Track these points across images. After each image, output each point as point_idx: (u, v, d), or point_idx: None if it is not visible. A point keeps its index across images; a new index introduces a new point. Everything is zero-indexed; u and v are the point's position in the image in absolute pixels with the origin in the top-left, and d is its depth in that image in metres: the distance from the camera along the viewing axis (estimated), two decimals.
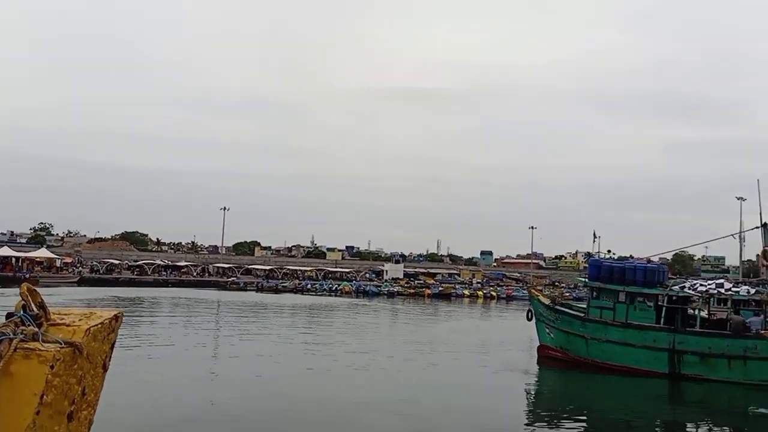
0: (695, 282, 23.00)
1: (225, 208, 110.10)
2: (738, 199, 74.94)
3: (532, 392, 21.74)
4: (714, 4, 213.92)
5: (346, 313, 49.87)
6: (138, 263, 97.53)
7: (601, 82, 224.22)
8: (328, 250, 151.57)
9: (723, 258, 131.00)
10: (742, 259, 68.97)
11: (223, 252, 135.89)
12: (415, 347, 30.09)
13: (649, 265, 23.51)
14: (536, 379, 23.89)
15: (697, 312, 22.38)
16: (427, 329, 41.05)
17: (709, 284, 22.41)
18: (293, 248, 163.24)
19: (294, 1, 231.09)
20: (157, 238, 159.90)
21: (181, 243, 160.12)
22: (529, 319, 26.44)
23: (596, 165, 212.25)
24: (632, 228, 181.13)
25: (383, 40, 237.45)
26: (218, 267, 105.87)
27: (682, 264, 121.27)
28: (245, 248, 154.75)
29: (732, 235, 22.87)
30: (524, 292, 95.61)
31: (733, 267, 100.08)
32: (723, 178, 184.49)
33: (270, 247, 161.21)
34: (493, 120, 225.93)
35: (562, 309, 24.80)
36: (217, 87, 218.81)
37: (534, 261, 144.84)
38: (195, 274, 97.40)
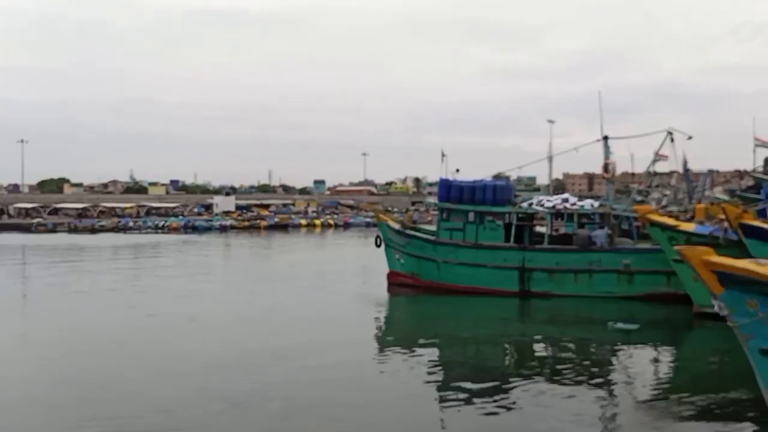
0: (541, 198, 22.96)
1: (23, 141, 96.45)
2: (549, 122, 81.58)
3: (383, 321, 20.66)
4: None
5: (175, 252, 45.67)
6: None
7: (418, 6, 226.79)
8: (150, 184, 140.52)
9: (534, 177, 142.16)
10: (552, 178, 74.58)
11: (26, 191, 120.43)
12: (255, 284, 27.73)
13: (498, 182, 23.00)
14: (387, 308, 22.85)
15: (545, 228, 22.35)
16: (267, 263, 38.75)
17: (555, 200, 22.42)
18: (109, 184, 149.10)
19: None
20: None
21: None
22: (378, 245, 25.09)
23: (418, 89, 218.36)
24: (453, 151, 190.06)
25: None
26: (20, 207, 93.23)
27: None
28: (52, 186, 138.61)
29: (575, 149, 22.90)
30: (361, 218, 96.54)
31: (544, 185, 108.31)
32: (525, 101, 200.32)
33: (82, 183, 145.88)
34: (313, 44, 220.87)
35: (413, 233, 23.70)
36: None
37: (366, 188, 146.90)
38: None
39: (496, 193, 22.26)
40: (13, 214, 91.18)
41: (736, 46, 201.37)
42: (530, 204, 22.28)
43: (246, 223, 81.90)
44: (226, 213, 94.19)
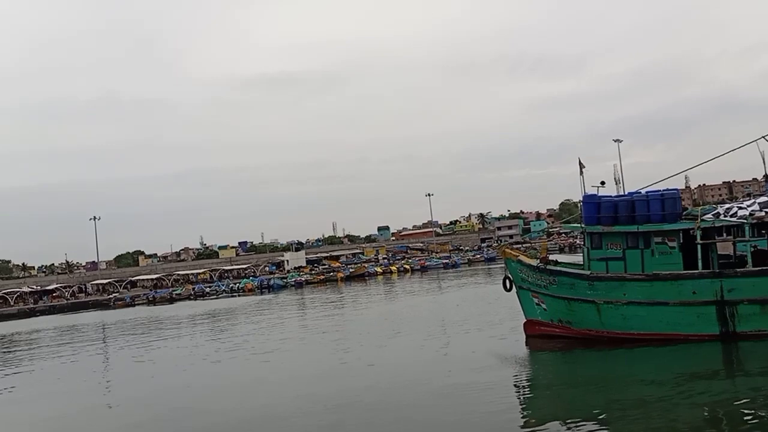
0: (729, 206, 17.62)
1: (95, 218, 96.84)
2: (615, 141, 79.03)
3: (530, 389, 15.44)
4: None
5: (257, 314, 41.86)
6: None
7: (460, 48, 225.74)
8: (220, 248, 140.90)
9: None
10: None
11: (103, 267, 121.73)
12: (355, 343, 23.26)
13: (667, 191, 17.76)
14: (532, 370, 17.50)
15: (747, 245, 16.71)
16: (358, 317, 34.16)
17: (749, 204, 16.97)
18: (182, 252, 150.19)
19: None
20: (23, 263, 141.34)
21: (53, 264, 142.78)
22: (508, 289, 20.06)
23: (467, 129, 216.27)
24: (511, 185, 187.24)
25: (239, 26, 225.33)
26: (97, 284, 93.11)
27: (569, 212, 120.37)
28: (128, 260, 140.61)
29: (764, 137, 17.31)
30: (437, 260, 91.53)
31: None
32: (579, 128, 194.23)
33: (156, 254, 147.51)
34: (362, 96, 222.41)
35: (559, 269, 18.57)
36: (63, 92, 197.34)
37: (431, 229, 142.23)
38: (68, 296, 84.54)
39: (665, 206, 17.05)
40: (92, 291, 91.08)
41: None
42: (716, 215, 16.89)
43: (321, 277, 78.79)
44: (298, 269, 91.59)
